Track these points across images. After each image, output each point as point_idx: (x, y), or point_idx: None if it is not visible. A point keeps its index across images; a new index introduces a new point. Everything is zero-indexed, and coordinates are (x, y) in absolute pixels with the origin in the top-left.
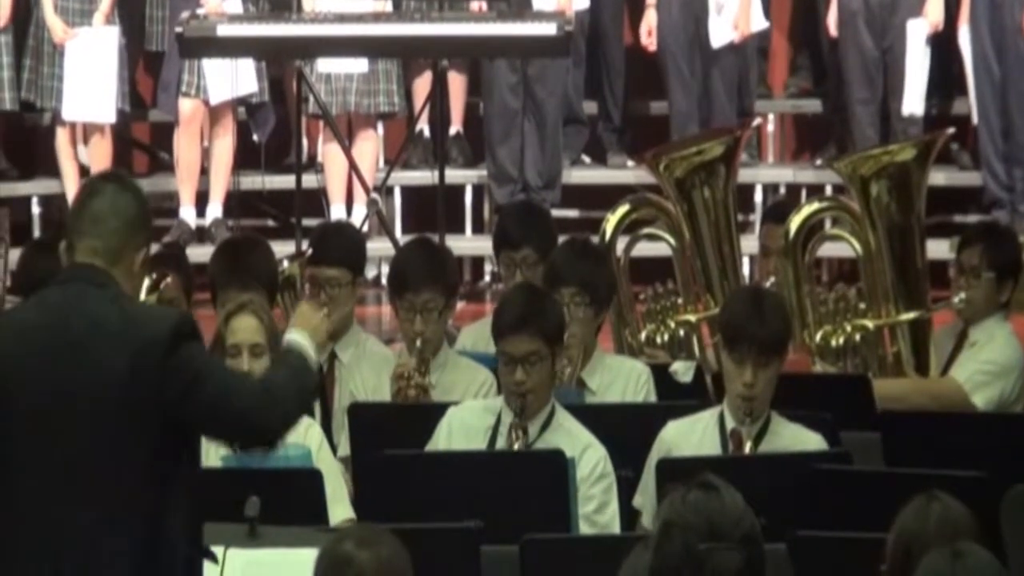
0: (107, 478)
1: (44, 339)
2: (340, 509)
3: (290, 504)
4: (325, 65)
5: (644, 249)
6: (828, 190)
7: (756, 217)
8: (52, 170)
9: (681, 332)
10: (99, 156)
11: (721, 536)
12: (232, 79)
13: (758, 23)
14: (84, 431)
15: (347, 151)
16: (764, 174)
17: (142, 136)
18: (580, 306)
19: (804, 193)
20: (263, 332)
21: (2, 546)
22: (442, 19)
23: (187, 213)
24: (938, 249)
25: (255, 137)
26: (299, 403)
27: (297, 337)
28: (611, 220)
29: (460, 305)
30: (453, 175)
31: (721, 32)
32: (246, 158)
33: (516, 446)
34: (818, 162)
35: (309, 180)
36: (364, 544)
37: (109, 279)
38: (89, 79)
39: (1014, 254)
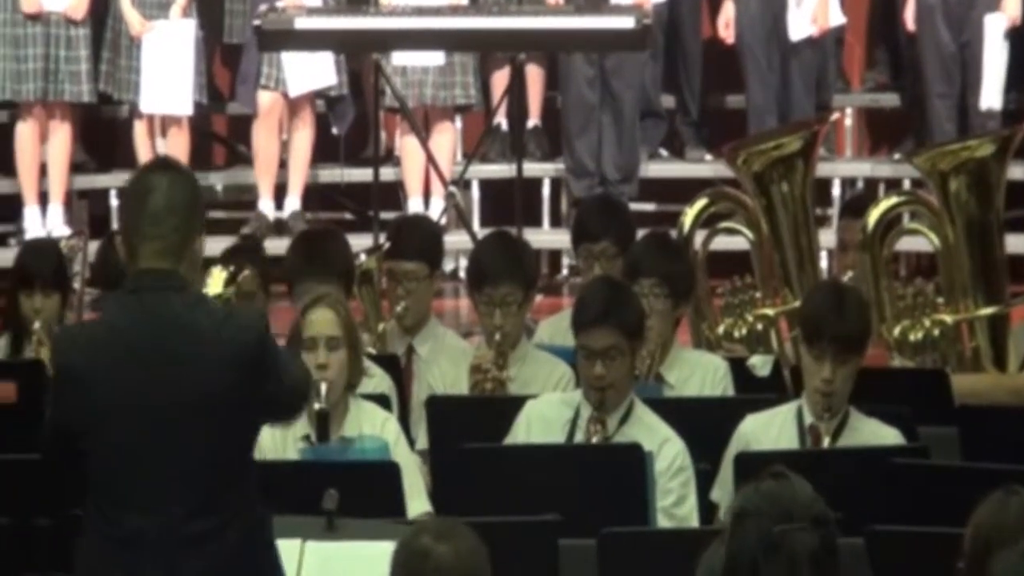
0: (199, 478)
1: (133, 347)
2: (417, 503)
3: (368, 497)
4: (401, 58)
5: (722, 243)
6: (906, 184)
7: (834, 211)
8: (130, 162)
9: (759, 326)
10: (177, 149)
11: (794, 519)
12: (311, 72)
13: (836, 17)
14: (176, 436)
15: (425, 144)
16: (842, 168)
17: (220, 129)
18: (659, 297)
19: (882, 187)
20: (340, 325)
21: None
22: (520, 12)
23: (265, 206)
24: (1017, 244)
25: (334, 130)
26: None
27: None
28: (689, 214)
29: (537, 298)
30: (531, 168)
31: (800, 26)
32: (325, 151)
33: (594, 439)
34: (896, 156)
35: (387, 173)
36: (442, 538)
37: (183, 281)
38: (166, 72)
39: None
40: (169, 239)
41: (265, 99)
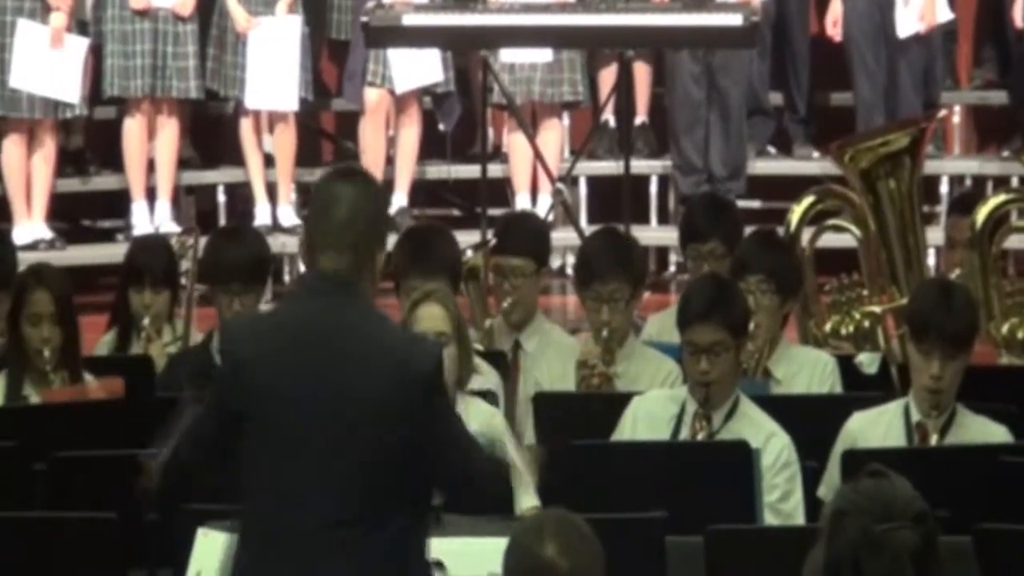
0: (348, 481)
1: (299, 343)
2: (526, 497)
3: None
4: (508, 54)
5: (829, 240)
6: (1014, 182)
7: (942, 209)
8: (237, 159)
9: (866, 323)
10: (284, 145)
11: (895, 517)
12: (418, 68)
13: (943, 14)
14: (332, 434)
15: (532, 140)
16: (950, 166)
17: (327, 125)
18: (766, 293)
19: (990, 185)
20: (449, 321)
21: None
22: (627, 9)
23: None
24: None
25: (441, 126)
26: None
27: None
28: (796, 211)
29: (645, 295)
30: (638, 165)
31: (907, 23)
32: (432, 147)
33: (700, 436)
34: (1005, 154)
35: (494, 170)
36: (566, 552)
37: (359, 289)
38: (271, 68)
39: None
40: (352, 246)
41: (372, 96)
